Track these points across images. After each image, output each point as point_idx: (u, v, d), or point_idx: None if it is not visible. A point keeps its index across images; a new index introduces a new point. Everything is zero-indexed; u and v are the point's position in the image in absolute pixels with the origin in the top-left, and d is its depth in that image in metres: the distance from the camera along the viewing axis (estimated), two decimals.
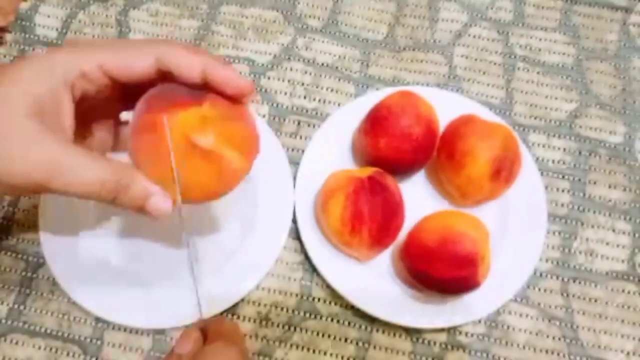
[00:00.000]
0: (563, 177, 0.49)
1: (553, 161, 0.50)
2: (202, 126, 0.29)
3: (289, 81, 0.51)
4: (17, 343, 0.43)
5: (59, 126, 0.28)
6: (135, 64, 0.29)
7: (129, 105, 0.32)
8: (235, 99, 0.30)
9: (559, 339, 0.44)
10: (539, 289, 0.46)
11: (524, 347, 0.44)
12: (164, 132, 0.29)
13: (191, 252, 0.31)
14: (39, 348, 0.42)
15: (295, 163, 0.47)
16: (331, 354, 0.43)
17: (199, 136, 0.29)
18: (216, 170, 0.30)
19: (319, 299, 0.45)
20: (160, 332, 0.43)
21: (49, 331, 0.43)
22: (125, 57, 0.29)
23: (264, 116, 0.50)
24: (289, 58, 0.52)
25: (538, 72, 0.53)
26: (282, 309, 0.44)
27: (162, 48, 0.29)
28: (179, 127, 0.29)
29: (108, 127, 0.35)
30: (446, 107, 0.46)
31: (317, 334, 0.44)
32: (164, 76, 0.29)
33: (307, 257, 0.45)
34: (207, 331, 0.29)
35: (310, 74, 0.52)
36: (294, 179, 0.46)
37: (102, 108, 0.33)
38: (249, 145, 0.32)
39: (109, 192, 0.28)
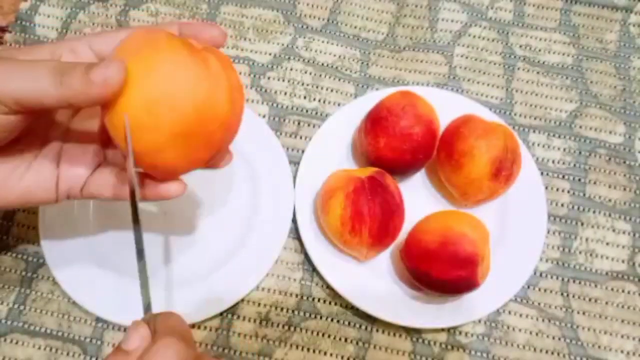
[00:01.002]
0: (563, 177, 0.49)
1: (553, 161, 0.50)
2: (187, 40, 0.28)
3: (289, 81, 0.51)
4: (17, 343, 0.43)
5: None
6: (119, 37, 0.30)
7: None
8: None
9: (559, 339, 0.44)
10: (539, 289, 0.46)
11: (523, 347, 0.44)
12: (155, 30, 0.28)
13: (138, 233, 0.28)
14: (39, 348, 0.42)
15: (295, 163, 0.47)
16: (331, 354, 0.43)
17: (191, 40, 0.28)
18: (209, 79, 0.27)
19: (319, 299, 0.45)
20: None
21: (49, 331, 0.43)
22: (111, 34, 0.31)
23: (264, 116, 0.50)
24: (289, 58, 0.52)
25: (538, 72, 0.53)
26: (282, 309, 0.44)
27: (135, 28, 0.31)
28: (170, 35, 0.28)
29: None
30: (446, 107, 0.46)
31: (317, 334, 0.44)
32: None
33: (307, 257, 0.45)
34: (155, 326, 0.28)
35: (310, 74, 0.52)
36: (294, 179, 0.46)
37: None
38: (238, 85, 0.29)
39: (55, 77, 0.26)
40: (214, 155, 0.29)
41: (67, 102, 0.26)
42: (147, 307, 0.28)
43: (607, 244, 0.47)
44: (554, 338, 0.44)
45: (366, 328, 0.44)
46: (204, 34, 0.30)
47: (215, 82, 0.27)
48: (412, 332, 0.44)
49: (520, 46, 0.54)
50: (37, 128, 0.31)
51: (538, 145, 0.50)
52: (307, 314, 0.44)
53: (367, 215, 0.40)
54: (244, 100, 0.30)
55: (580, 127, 0.51)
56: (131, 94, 0.26)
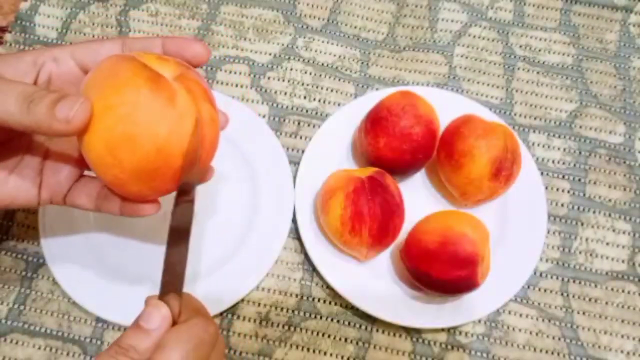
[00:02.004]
0: (563, 177, 0.49)
1: (553, 161, 0.50)
2: (164, 63, 0.28)
3: (289, 81, 0.51)
4: (17, 343, 0.43)
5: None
6: (104, 49, 0.30)
7: None
8: (195, 64, 0.30)
9: (559, 339, 0.44)
10: (539, 289, 0.46)
11: (523, 347, 0.44)
12: (123, 57, 0.27)
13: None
14: (39, 348, 0.42)
15: (295, 163, 0.47)
16: (331, 354, 0.43)
17: (160, 67, 0.27)
18: (172, 117, 0.26)
19: (319, 299, 0.45)
20: None
21: (49, 331, 0.43)
22: (94, 45, 0.30)
23: (264, 116, 0.50)
24: (289, 58, 0.52)
25: (538, 72, 0.53)
26: (282, 309, 0.44)
27: (123, 38, 0.31)
28: (138, 58, 0.27)
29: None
30: (446, 107, 0.46)
31: (317, 334, 0.44)
32: None
33: (307, 257, 0.45)
34: (178, 307, 0.27)
35: (310, 74, 0.52)
36: (294, 179, 0.46)
37: None
38: (213, 117, 0.28)
39: (22, 103, 0.26)
40: (183, 181, 0.29)
41: (31, 130, 0.26)
42: (166, 285, 0.27)
43: (607, 244, 0.47)
44: (554, 338, 0.44)
45: (366, 328, 0.44)
46: (187, 51, 0.30)
47: (179, 120, 0.26)
48: (412, 332, 0.44)
49: (520, 46, 0.54)
50: (20, 134, 0.31)
51: (538, 145, 0.50)
52: (307, 314, 0.44)
53: (367, 215, 0.40)
54: (218, 129, 0.30)
55: (580, 127, 0.51)
56: (94, 133, 0.26)
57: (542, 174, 0.48)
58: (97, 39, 0.31)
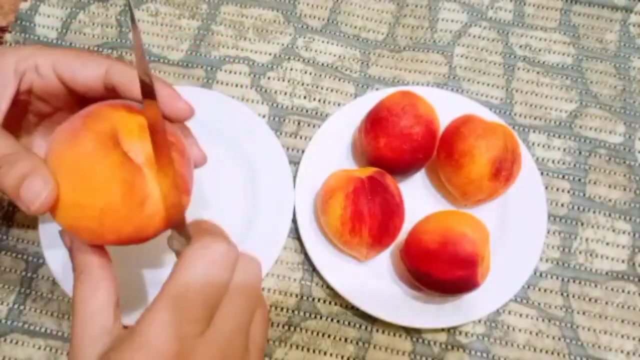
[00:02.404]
0: (563, 177, 0.49)
1: (553, 161, 0.50)
2: (139, 134, 0.27)
3: (289, 81, 0.51)
4: (17, 343, 0.43)
5: None
6: (86, 68, 0.29)
7: None
8: (173, 121, 0.29)
9: (559, 339, 0.44)
10: (539, 289, 0.46)
11: (523, 347, 0.44)
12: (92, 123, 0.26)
13: None
14: (39, 348, 0.42)
15: (295, 163, 0.47)
16: (331, 354, 0.43)
17: (130, 142, 0.26)
18: (139, 219, 0.26)
19: (319, 299, 0.45)
20: None
21: (49, 331, 0.43)
22: (78, 62, 0.29)
23: (264, 116, 0.50)
24: (289, 58, 0.52)
25: (538, 72, 0.53)
26: (282, 309, 0.44)
27: (111, 61, 0.29)
28: (109, 122, 0.26)
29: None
30: (446, 107, 0.46)
31: (317, 334, 0.44)
32: (112, 92, 0.29)
33: (307, 257, 0.45)
34: (190, 232, 0.26)
35: (310, 74, 0.52)
36: (294, 179, 0.46)
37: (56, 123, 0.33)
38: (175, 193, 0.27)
39: None
40: (158, 233, 0.28)
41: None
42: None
43: (607, 244, 0.47)
44: (554, 338, 0.44)
45: (366, 328, 0.44)
46: (167, 108, 0.28)
47: (146, 222, 0.26)
48: (412, 332, 0.44)
49: (520, 46, 0.54)
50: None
51: (538, 145, 0.50)
52: (307, 314, 0.44)
53: (367, 215, 0.40)
54: (191, 183, 0.29)
55: (580, 127, 0.51)
56: (59, 216, 0.26)
57: (542, 174, 0.48)
58: (83, 52, 0.30)
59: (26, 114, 0.32)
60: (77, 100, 0.31)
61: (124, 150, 0.26)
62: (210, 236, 0.26)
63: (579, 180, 0.49)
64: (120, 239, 0.27)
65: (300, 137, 0.49)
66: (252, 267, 0.27)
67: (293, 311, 0.44)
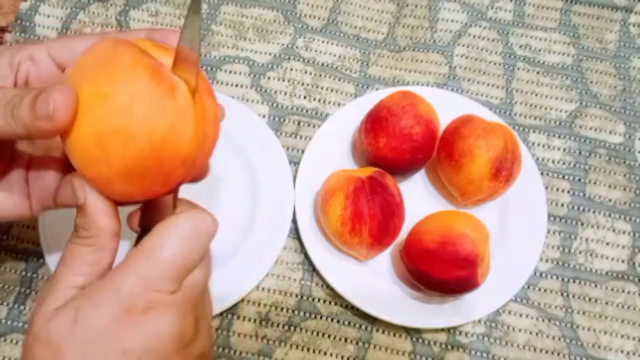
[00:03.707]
0: (563, 177, 0.49)
1: (553, 161, 0.50)
2: (163, 52, 0.25)
3: (289, 81, 0.51)
4: (17, 343, 0.43)
5: None
6: (80, 45, 0.28)
7: None
8: None
9: (559, 339, 0.44)
10: (539, 289, 0.46)
11: (523, 347, 0.44)
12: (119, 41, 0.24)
13: None
14: None
15: (295, 163, 0.47)
16: (331, 354, 0.43)
17: (159, 55, 0.24)
18: (172, 111, 0.23)
19: (319, 299, 0.45)
20: None
21: None
22: (71, 42, 0.29)
23: (264, 116, 0.50)
24: (289, 58, 0.52)
25: (538, 72, 0.53)
26: (282, 309, 0.44)
27: (109, 34, 0.29)
28: (135, 43, 0.24)
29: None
30: (446, 107, 0.46)
31: (317, 334, 0.44)
32: None
33: (307, 257, 0.45)
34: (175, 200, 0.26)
35: (310, 74, 0.52)
36: (294, 179, 0.46)
37: None
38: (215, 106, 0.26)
39: (5, 111, 0.24)
40: (174, 188, 0.26)
41: (22, 137, 0.24)
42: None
43: (607, 244, 0.47)
44: (554, 338, 0.44)
45: (366, 328, 0.44)
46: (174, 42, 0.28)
47: (179, 116, 0.24)
48: (412, 332, 0.44)
49: (520, 46, 0.54)
50: (1, 148, 0.30)
51: (538, 145, 0.50)
52: (307, 314, 0.44)
53: (367, 215, 0.40)
54: (218, 131, 0.27)
55: (580, 127, 0.51)
56: (81, 123, 0.23)
57: (542, 174, 0.48)
58: (75, 35, 0.30)
59: None
60: None
61: (141, 47, 0.25)
62: (199, 208, 0.27)
63: (579, 180, 0.49)
64: (154, 141, 0.23)
65: (300, 137, 0.49)
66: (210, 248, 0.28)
67: (293, 311, 0.44)
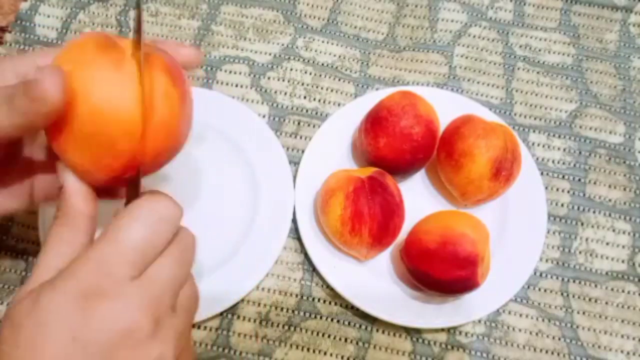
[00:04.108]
0: (563, 177, 0.49)
1: (553, 161, 0.50)
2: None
3: (289, 81, 0.51)
4: None
5: None
6: (44, 58, 0.28)
7: None
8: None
9: (559, 339, 0.44)
10: (539, 289, 0.46)
11: (523, 347, 0.44)
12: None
13: None
14: None
15: (295, 163, 0.47)
16: (331, 354, 0.43)
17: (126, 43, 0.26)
18: (113, 80, 0.25)
19: (319, 299, 0.45)
20: None
21: None
22: (31, 56, 0.28)
23: (264, 116, 0.50)
24: (289, 58, 0.52)
25: (538, 72, 0.53)
26: (282, 309, 0.44)
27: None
28: (93, 40, 0.26)
29: None
30: (446, 107, 0.46)
31: (317, 334, 0.44)
32: None
33: (307, 257, 0.45)
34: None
35: (310, 74, 0.52)
36: (294, 179, 0.46)
37: None
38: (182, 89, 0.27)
39: (6, 106, 0.24)
40: (128, 166, 0.27)
41: (27, 129, 0.25)
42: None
43: (607, 244, 0.47)
44: (554, 338, 0.44)
45: (366, 328, 0.44)
46: (176, 55, 0.28)
47: (119, 85, 0.25)
48: (412, 332, 0.44)
49: (520, 46, 0.54)
50: (6, 155, 0.30)
51: (538, 145, 0.50)
52: (307, 314, 0.44)
53: (367, 215, 0.40)
54: (180, 115, 0.27)
55: (580, 127, 0.51)
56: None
57: (542, 174, 0.48)
58: (35, 50, 0.29)
59: None
60: None
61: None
62: (161, 194, 0.26)
63: (579, 180, 0.49)
64: (90, 106, 0.24)
65: (300, 137, 0.49)
66: (189, 239, 0.27)
67: (293, 311, 0.44)
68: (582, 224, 0.48)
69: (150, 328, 0.23)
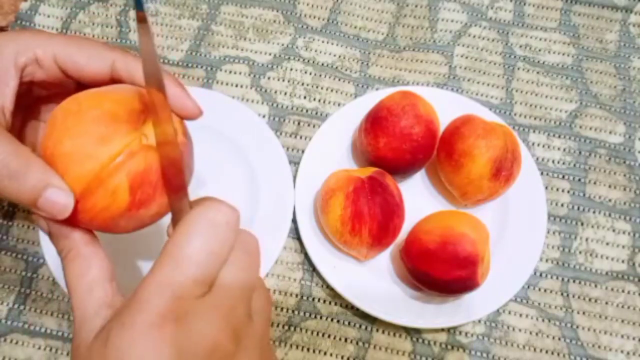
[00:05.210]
0: (563, 177, 0.49)
1: (553, 161, 0.50)
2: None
3: (289, 81, 0.51)
4: (17, 343, 0.43)
5: None
6: (90, 64, 0.28)
7: None
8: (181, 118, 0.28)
9: (559, 339, 0.44)
10: (539, 289, 0.46)
11: (524, 347, 0.44)
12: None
13: None
14: (39, 348, 0.42)
15: (295, 163, 0.47)
16: (331, 354, 0.43)
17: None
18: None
19: (319, 299, 0.45)
20: None
21: (49, 331, 0.43)
22: (81, 56, 0.28)
23: (264, 116, 0.50)
24: (289, 58, 0.52)
25: (538, 72, 0.53)
26: (282, 309, 0.44)
27: (117, 54, 0.28)
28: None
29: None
30: (446, 107, 0.46)
31: (317, 334, 0.44)
32: (119, 81, 0.29)
33: (307, 257, 0.45)
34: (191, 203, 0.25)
35: (310, 74, 0.52)
36: (294, 179, 0.46)
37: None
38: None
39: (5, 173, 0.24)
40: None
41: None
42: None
43: (607, 244, 0.47)
44: (554, 338, 0.44)
45: (366, 328, 0.44)
46: (174, 107, 0.27)
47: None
48: (412, 332, 0.44)
49: (520, 46, 0.54)
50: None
51: (538, 145, 0.50)
52: (307, 314, 0.44)
53: (367, 215, 0.40)
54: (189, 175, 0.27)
55: (580, 127, 0.51)
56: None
57: (542, 174, 0.48)
58: (83, 42, 0.29)
59: (28, 102, 0.31)
60: (80, 86, 0.30)
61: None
62: (213, 200, 0.25)
63: (579, 180, 0.49)
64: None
65: (300, 137, 0.49)
66: (252, 240, 0.26)
67: (293, 311, 0.44)
68: (582, 224, 0.48)
69: (230, 342, 0.22)
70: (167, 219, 0.27)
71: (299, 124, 0.50)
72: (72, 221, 0.25)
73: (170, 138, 0.25)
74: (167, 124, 0.24)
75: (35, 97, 0.31)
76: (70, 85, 0.29)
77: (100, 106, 0.25)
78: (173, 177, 0.26)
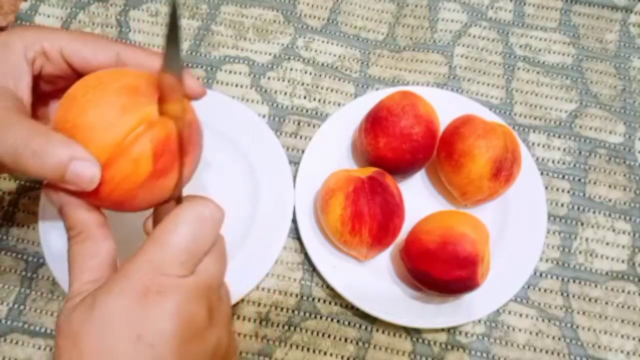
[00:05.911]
0: (563, 177, 0.49)
1: (553, 161, 0.50)
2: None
3: (289, 81, 0.51)
4: (17, 343, 0.43)
5: (19, 102, 0.27)
6: (96, 57, 0.29)
7: None
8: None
9: (559, 339, 0.44)
10: (539, 289, 0.46)
11: (523, 347, 0.44)
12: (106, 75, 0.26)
13: None
14: (39, 348, 0.42)
15: (295, 163, 0.47)
16: (331, 354, 0.43)
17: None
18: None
19: (319, 299, 0.45)
20: None
21: (49, 331, 0.43)
22: (87, 50, 0.29)
23: (264, 116, 0.50)
24: (289, 58, 0.52)
25: (538, 72, 0.53)
26: (282, 309, 0.44)
27: (120, 46, 0.29)
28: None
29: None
30: (446, 107, 0.46)
31: (317, 334, 0.44)
32: None
33: (307, 257, 0.45)
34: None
35: (310, 74, 0.52)
36: (294, 179, 0.46)
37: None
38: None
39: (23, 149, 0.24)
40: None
41: (21, 171, 0.25)
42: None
43: (607, 244, 0.47)
44: (554, 338, 0.44)
45: (366, 328, 0.44)
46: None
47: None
48: (412, 332, 0.44)
49: (520, 46, 0.54)
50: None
51: (538, 145, 0.50)
52: (307, 314, 0.44)
53: (367, 215, 0.40)
54: (193, 165, 0.28)
55: (580, 127, 0.51)
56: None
57: (542, 174, 0.48)
58: (87, 36, 0.29)
59: (34, 98, 0.32)
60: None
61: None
62: (202, 197, 0.27)
63: (579, 180, 0.49)
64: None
65: (300, 137, 0.49)
66: (224, 243, 0.29)
67: (293, 311, 0.44)
68: (582, 224, 0.48)
69: (205, 318, 0.25)
70: None
71: (299, 124, 0.50)
72: (91, 194, 0.26)
73: (181, 115, 0.26)
74: (179, 103, 0.26)
75: (41, 93, 0.31)
76: (74, 80, 0.30)
77: (120, 80, 0.26)
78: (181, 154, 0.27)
